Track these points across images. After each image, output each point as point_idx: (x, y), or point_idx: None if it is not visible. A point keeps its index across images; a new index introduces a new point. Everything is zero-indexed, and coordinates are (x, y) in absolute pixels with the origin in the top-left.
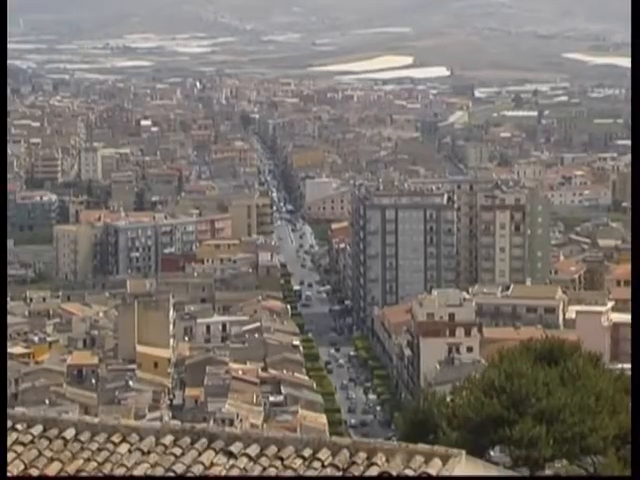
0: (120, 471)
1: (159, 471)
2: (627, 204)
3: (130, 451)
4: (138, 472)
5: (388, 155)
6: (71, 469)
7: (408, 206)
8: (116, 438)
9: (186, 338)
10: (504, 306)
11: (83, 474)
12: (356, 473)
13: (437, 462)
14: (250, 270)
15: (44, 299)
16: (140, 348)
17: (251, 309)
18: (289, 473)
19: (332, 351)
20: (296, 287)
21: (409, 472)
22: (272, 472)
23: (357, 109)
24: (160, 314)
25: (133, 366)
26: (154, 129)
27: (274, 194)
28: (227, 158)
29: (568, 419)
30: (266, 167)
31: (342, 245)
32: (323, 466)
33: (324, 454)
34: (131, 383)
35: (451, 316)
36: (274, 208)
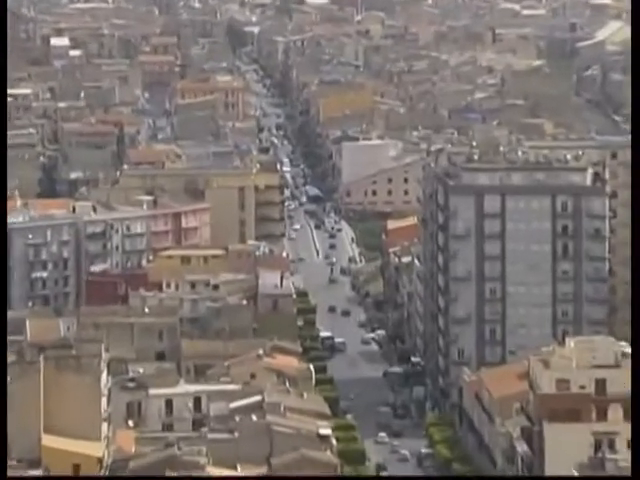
0: None
1: None
2: None
3: None
4: None
5: (488, 99)
6: None
7: (524, 190)
8: None
9: (130, 422)
10: None
11: None
12: None
13: None
14: (244, 302)
15: None
16: (49, 440)
17: (246, 371)
18: None
19: (389, 445)
20: (325, 333)
21: None
22: None
23: (432, 18)
24: (84, 380)
25: (36, 472)
26: (74, 53)
27: (286, 168)
28: (203, 105)
29: None
30: (272, 121)
31: (406, 259)
32: None
33: None
34: None
35: (600, 384)
36: (287, 193)
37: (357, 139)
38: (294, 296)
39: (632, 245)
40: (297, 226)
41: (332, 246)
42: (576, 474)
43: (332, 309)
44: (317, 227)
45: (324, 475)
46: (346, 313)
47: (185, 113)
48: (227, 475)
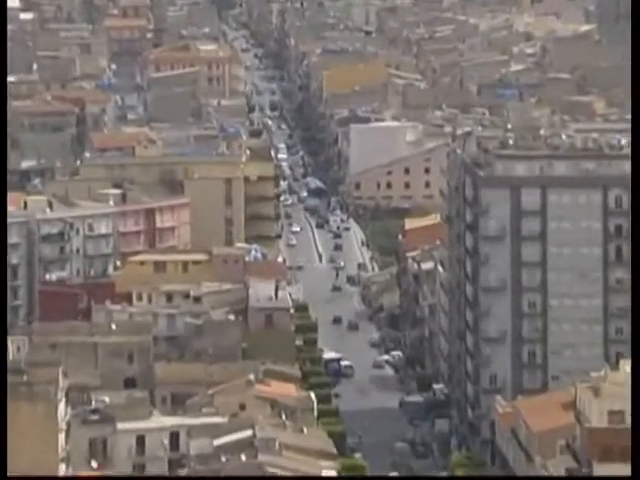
0: None
1: None
2: None
3: None
4: None
5: (526, 72)
6: None
7: (570, 181)
8: None
9: (94, 463)
10: None
11: None
12: None
13: None
14: (231, 317)
15: None
16: None
17: (234, 401)
18: None
19: None
20: (329, 354)
21: None
22: None
23: None
24: (38, 412)
25: None
26: (25, 17)
27: (283, 155)
28: (182, 79)
29: None
30: (265, 98)
31: (427, 265)
32: None
33: None
34: None
35: None
36: (283, 185)
37: (368, 120)
38: (292, 310)
39: (632, 245)
40: (296, 226)
41: (338, 249)
42: None
43: (338, 325)
44: (320, 226)
45: (325, 475)
46: (354, 330)
47: (160, 89)
48: (229, 476)
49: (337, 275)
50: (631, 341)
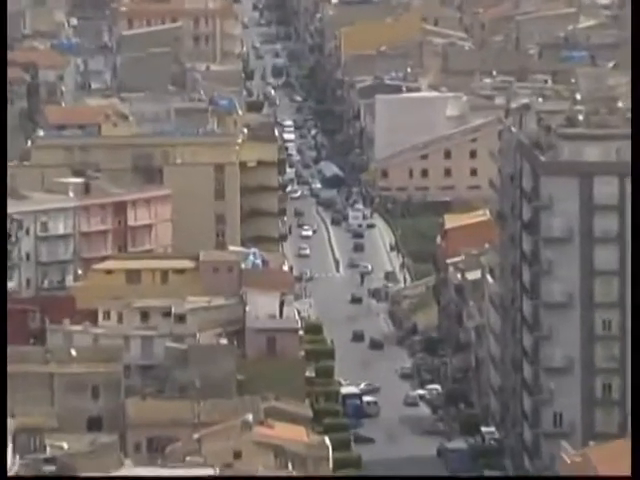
0: None
1: None
2: None
3: None
4: None
5: (598, 29)
6: None
7: None
8: None
9: None
10: None
11: None
12: None
13: None
14: (223, 341)
15: None
16: None
17: (227, 447)
18: None
19: None
20: (348, 388)
21: None
22: None
23: None
24: None
25: None
26: None
27: (289, 135)
28: (161, 37)
29: None
30: (267, 62)
31: (473, 274)
32: None
33: None
34: None
35: None
36: (290, 172)
37: (398, 90)
38: (301, 331)
39: (632, 245)
40: (307, 227)
41: (359, 253)
42: None
43: (360, 351)
44: (336, 224)
45: (324, 475)
46: (381, 357)
47: (133, 49)
48: (229, 475)
49: (362, 282)
50: (631, 342)
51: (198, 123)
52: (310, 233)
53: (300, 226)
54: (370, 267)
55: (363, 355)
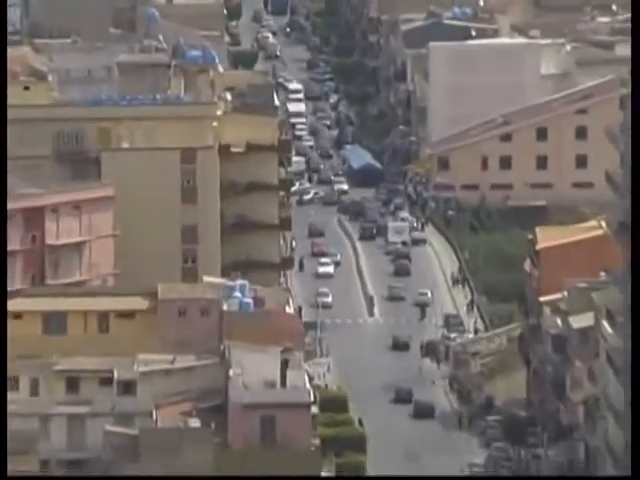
0: None
1: None
2: None
3: None
4: None
5: None
6: None
7: None
8: None
9: None
10: None
11: None
12: None
13: None
14: (194, 423)
15: None
16: None
17: None
18: None
19: None
20: None
21: None
22: None
23: None
24: None
25: None
26: None
27: (296, 106)
28: None
29: None
30: None
31: (582, 320)
32: None
33: None
34: None
35: None
36: (298, 161)
37: (465, 34)
38: (314, 408)
39: (632, 245)
40: (323, 251)
41: (404, 285)
42: None
43: (404, 437)
44: (367, 238)
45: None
46: (437, 447)
47: None
48: (230, 475)
49: (409, 330)
50: (631, 342)
51: (155, 86)
52: (330, 270)
53: (315, 255)
54: (421, 307)
55: (410, 444)
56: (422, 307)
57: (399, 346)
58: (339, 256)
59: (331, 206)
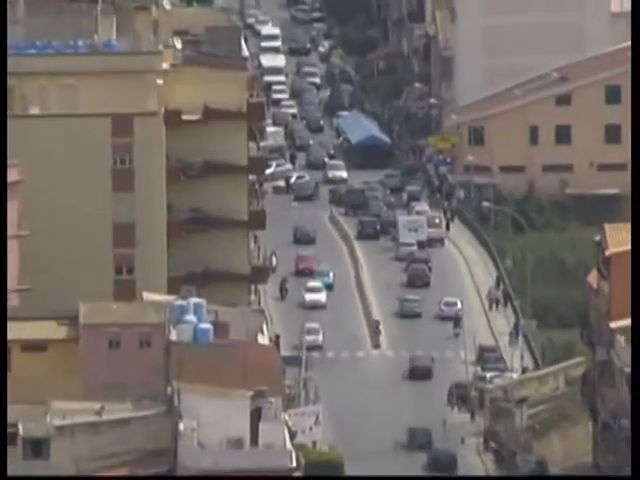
0: None
1: None
2: None
3: None
4: None
5: None
6: None
7: None
8: None
9: None
10: None
11: None
12: None
13: None
14: None
15: None
16: None
17: None
18: None
19: None
20: None
21: None
22: None
23: None
24: None
25: None
26: None
27: (275, 57)
28: None
29: None
30: None
31: None
32: None
33: None
34: None
35: None
36: (274, 133)
37: None
38: (298, 474)
39: (632, 245)
40: (309, 258)
41: (420, 300)
42: None
43: None
44: (368, 237)
45: (325, 475)
46: None
47: None
48: (237, 475)
49: (428, 369)
50: (631, 342)
51: (77, 29)
52: (321, 298)
53: (301, 274)
54: (452, 326)
55: None
56: (453, 325)
57: (415, 389)
58: (331, 276)
59: (321, 195)
